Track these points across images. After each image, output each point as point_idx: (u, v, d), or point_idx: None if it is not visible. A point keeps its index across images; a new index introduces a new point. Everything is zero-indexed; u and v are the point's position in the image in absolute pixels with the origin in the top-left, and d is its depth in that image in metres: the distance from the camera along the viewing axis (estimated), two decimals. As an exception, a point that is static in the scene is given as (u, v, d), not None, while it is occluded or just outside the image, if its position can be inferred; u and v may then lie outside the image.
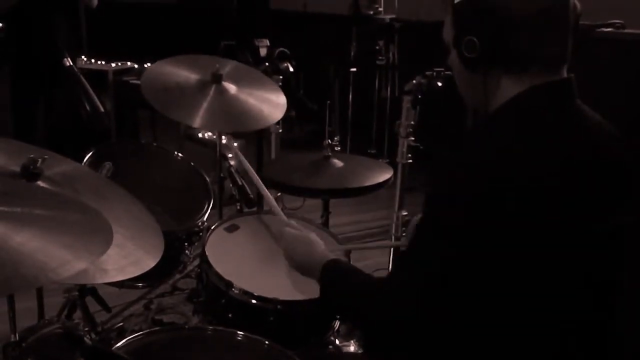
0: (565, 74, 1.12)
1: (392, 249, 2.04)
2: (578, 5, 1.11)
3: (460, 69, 1.16)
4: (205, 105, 2.00)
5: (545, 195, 1.02)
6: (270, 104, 2.12)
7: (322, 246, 1.46)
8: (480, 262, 1.02)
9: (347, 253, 1.72)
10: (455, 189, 1.05)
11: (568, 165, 1.06)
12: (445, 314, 1.05)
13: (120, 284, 1.89)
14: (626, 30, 3.11)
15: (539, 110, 1.09)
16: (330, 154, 2.06)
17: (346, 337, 1.76)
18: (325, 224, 2.10)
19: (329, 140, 2.11)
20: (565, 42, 1.11)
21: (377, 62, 4.55)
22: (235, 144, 3.91)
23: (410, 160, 2.01)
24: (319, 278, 1.33)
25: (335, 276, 1.31)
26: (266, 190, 1.79)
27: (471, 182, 1.02)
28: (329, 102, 4.30)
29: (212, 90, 2.05)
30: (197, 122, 1.97)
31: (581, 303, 1.09)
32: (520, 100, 1.09)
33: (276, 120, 2.18)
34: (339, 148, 2.25)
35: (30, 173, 1.20)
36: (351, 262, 1.66)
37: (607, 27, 3.11)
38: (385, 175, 2.01)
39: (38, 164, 1.20)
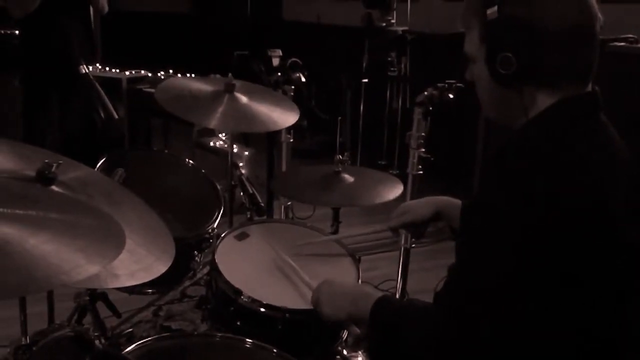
0: (590, 87, 1.13)
1: (401, 257, 2.04)
2: (601, 16, 1.11)
3: (490, 84, 1.14)
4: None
5: (602, 204, 1.02)
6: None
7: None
8: (540, 273, 1.01)
9: (354, 259, 1.72)
10: (517, 203, 1.02)
11: (615, 174, 1.07)
12: (510, 324, 1.04)
13: (130, 290, 1.90)
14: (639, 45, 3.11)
15: (574, 122, 1.09)
16: (340, 169, 2.06)
17: (354, 347, 1.75)
18: (335, 234, 2.11)
19: (340, 156, 2.12)
20: (595, 55, 1.11)
21: (389, 73, 4.57)
22: (246, 153, 3.92)
23: (421, 172, 2.02)
24: (370, 314, 1.23)
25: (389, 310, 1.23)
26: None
27: (532, 196, 1.01)
28: (340, 114, 4.31)
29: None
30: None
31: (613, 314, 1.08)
32: (554, 113, 1.09)
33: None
34: (350, 162, 2.25)
35: (45, 177, 1.21)
36: (360, 273, 1.67)
37: (620, 42, 3.12)
38: (396, 191, 2.01)
39: (53, 169, 1.22)
